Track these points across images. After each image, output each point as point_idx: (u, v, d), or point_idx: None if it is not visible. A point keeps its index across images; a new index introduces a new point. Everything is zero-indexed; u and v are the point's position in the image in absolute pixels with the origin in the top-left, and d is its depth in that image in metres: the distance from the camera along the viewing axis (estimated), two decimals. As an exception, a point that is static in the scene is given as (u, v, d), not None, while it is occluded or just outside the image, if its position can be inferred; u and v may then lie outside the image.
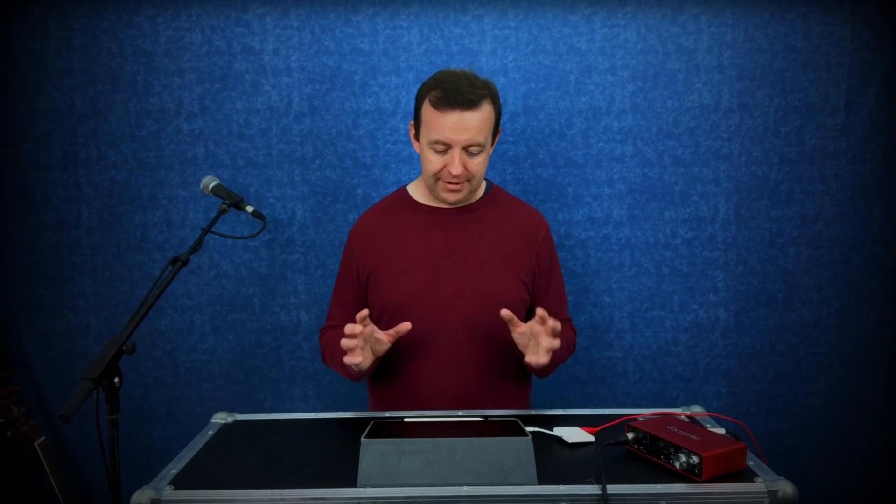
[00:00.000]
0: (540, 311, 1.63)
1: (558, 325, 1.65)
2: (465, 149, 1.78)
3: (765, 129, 2.45)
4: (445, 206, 1.93)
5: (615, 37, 2.41)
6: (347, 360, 1.66)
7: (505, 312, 1.66)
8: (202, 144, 2.43)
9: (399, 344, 1.87)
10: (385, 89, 2.42)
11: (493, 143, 1.92)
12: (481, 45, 2.40)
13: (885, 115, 2.44)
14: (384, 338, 1.68)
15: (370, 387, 2.02)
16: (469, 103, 1.75)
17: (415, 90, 1.88)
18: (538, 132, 2.44)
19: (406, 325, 1.68)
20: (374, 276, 1.91)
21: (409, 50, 2.40)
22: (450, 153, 1.78)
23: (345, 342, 1.63)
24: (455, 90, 1.75)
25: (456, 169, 1.78)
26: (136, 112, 2.41)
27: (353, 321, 1.93)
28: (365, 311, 1.63)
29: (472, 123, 1.76)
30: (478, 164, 1.82)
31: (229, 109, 2.42)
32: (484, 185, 2.00)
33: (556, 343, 1.66)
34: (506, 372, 1.89)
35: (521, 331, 1.69)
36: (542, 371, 1.80)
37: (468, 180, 1.83)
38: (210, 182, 2.02)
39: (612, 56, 2.41)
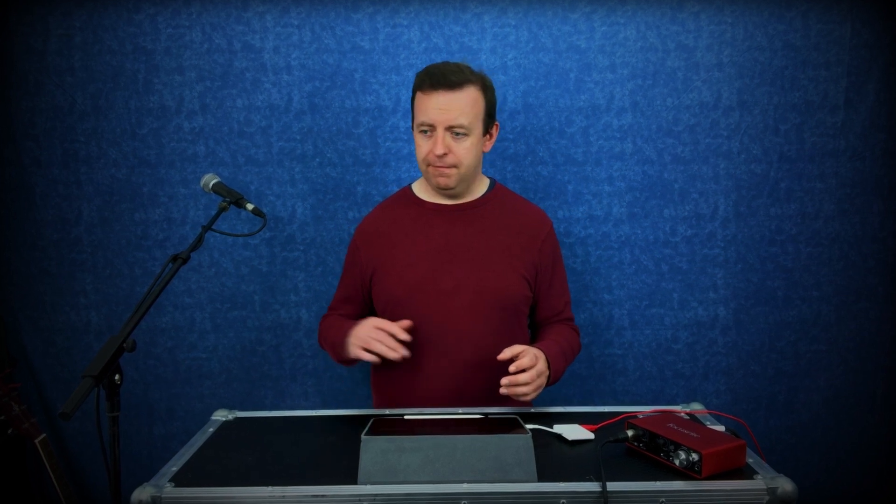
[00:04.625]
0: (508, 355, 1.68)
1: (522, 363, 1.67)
2: (450, 131, 1.81)
3: (764, 126, 2.43)
4: (448, 203, 1.95)
5: (615, 35, 2.40)
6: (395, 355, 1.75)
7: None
8: (203, 142, 2.43)
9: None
10: (385, 87, 2.41)
11: (490, 137, 1.94)
12: (481, 43, 2.40)
13: (885, 113, 2.42)
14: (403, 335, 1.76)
15: (373, 380, 2.04)
16: (451, 84, 1.80)
17: (416, 88, 1.91)
18: (538, 130, 2.44)
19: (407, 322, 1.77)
20: (378, 272, 1.93)
21: (409, 48, 2.39)
22: (434, 135, 1.82)
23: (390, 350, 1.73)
24: (439, 74, 1.81)
25: (439, 149, 1.80)
26: (137, 110, 2.41)
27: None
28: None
29: (454, 104, 1.80)
30: (464, 149, 1.84)
31: (230, 107, 2.41)
32: (487, 182, 2.02)
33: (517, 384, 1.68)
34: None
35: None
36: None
37: (455, 166, 1.85)
38: (210, 180, 2.03)
39: (612, 54, 2.41)
